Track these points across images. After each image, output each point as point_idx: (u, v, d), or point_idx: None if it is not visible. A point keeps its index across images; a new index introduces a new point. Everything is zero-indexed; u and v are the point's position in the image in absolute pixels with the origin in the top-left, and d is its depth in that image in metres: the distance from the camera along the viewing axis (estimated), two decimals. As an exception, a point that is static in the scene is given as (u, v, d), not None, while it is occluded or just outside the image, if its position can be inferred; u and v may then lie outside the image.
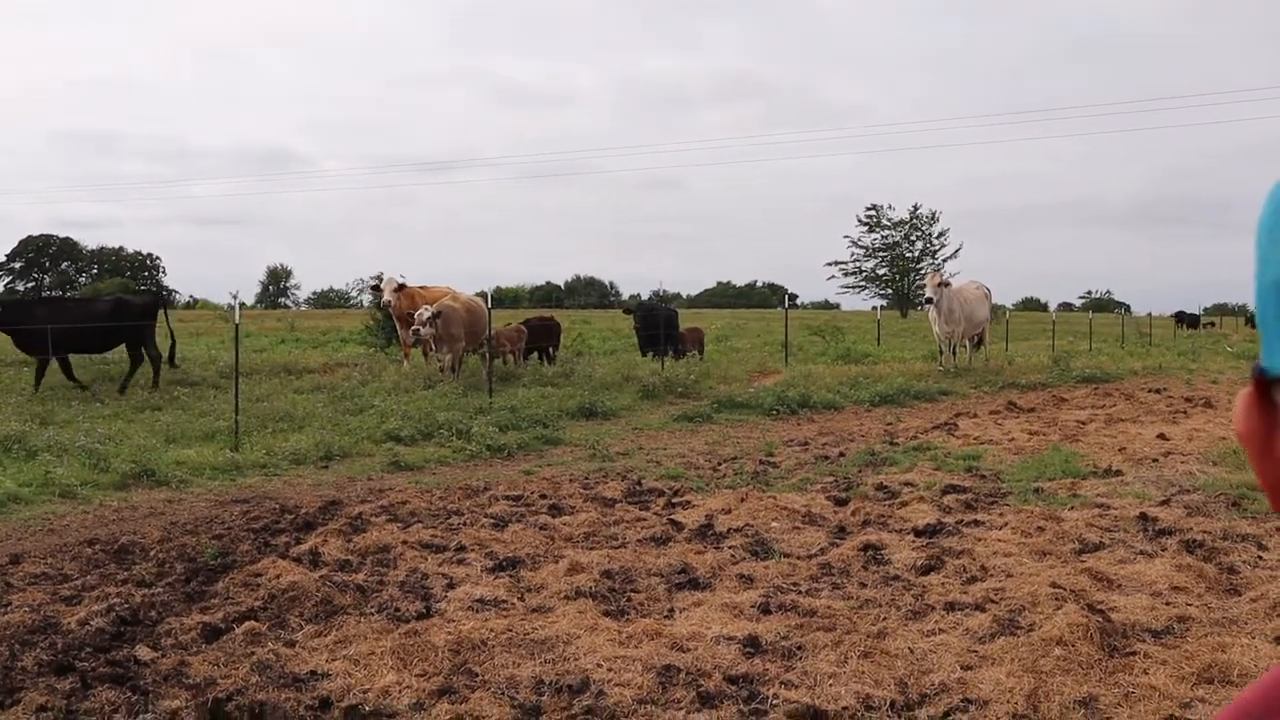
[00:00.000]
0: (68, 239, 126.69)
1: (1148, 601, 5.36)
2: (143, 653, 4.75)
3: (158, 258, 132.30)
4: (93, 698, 4.25)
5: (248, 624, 5.08)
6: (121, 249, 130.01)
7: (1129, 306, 67.03)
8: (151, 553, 6.72)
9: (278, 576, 5.85)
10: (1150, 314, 51.66)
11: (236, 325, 12.99)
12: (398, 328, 20.51)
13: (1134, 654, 4.57)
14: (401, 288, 19.47)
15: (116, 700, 4.23)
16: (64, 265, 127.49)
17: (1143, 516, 7.34)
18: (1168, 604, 5.32)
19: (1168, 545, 6.56)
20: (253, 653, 4.72)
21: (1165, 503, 7.91)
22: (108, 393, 15.33)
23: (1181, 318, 52.88)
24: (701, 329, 25.45)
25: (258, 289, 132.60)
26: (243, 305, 13.61)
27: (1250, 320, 60.69)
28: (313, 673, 4.51)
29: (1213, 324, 52.94)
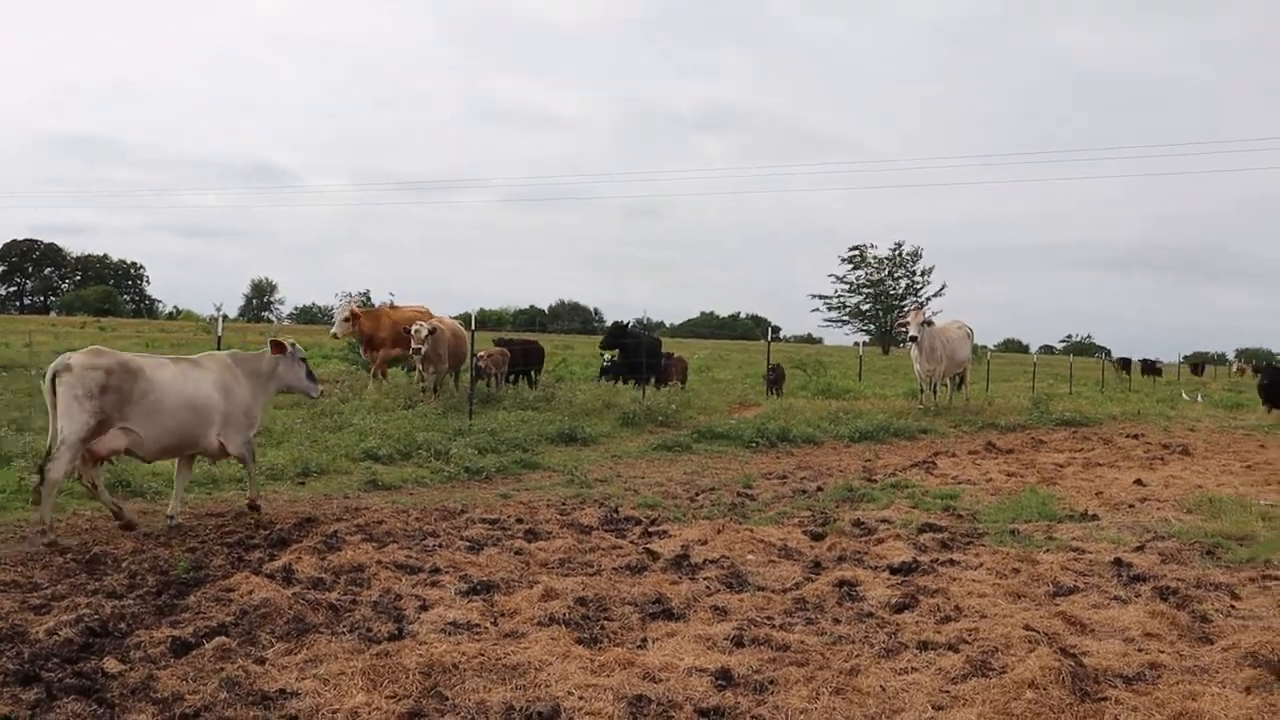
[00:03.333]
0: (52, 245, 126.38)
1: (1120, 647, 5.38)
2: (110, 665, 4.70)
3: (141, 266, 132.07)
4: (58, 709, 4.20)
5: (218, 639, 5.03)
6: (105, 257, 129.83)
7: (1109, 351, 67.29)
8: (123, 564, 6.66)
9: (250, 592, 5.81)
10: (1130, 359, 51.58)
11: (219, 337, 12.91)
12: (362, 351, 20.08)
13: (1105, 699, 4.57)
14: (350, 319, 18.87)
15: (82, 712, 4.18)
16: (47, 271, 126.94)
17: (1117, 562, 7.38)
18: (1140, 650, 5.35)
19: (1141, 591, 6.60)
20: (222, 669, 4.67)
21: (1140, 549, 7.95)
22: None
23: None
24: (685, 358, 25.48)
25: (241, 301, 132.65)
26: (225, 317, 13.49)
27: (1194, 368, 60.57)
28: (282, 691, 4.46)
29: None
